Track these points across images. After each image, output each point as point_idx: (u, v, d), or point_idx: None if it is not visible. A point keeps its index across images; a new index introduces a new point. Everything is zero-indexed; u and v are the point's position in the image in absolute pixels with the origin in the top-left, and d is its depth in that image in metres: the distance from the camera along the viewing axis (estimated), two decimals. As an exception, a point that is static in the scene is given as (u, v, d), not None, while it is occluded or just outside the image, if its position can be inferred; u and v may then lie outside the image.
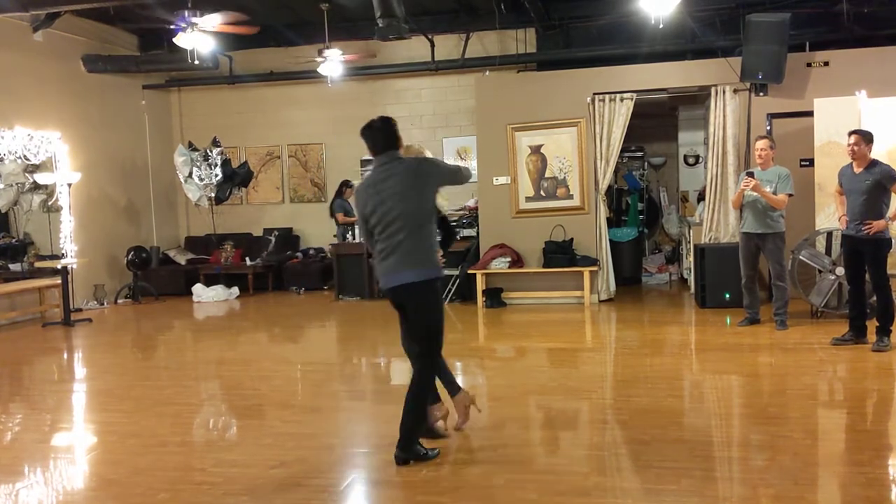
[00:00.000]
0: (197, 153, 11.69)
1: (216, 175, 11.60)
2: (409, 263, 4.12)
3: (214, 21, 8.59)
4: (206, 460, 4.48)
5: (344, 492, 3.93)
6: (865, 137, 6.54)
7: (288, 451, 4.52)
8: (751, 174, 7.33)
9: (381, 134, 4.21)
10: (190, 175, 11.63)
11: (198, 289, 11.65)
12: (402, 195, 4.11)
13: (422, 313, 4.22)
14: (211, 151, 11.68)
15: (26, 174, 10.44)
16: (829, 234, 7.97)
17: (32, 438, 5.14)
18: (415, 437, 4.20)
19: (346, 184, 11.54)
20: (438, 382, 4.56)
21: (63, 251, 10.62)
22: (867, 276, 6.64)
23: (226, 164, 11.81)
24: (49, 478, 4.38)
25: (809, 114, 8.50)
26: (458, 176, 4.44)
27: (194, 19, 8.52)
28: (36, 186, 10.59)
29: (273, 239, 12.40)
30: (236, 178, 11.98)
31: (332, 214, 11.60)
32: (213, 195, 11.75)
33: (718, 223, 9.54)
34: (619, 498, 3.73)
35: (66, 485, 4.29)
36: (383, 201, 4.13)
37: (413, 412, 4.19)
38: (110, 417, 5.56)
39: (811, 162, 8.53)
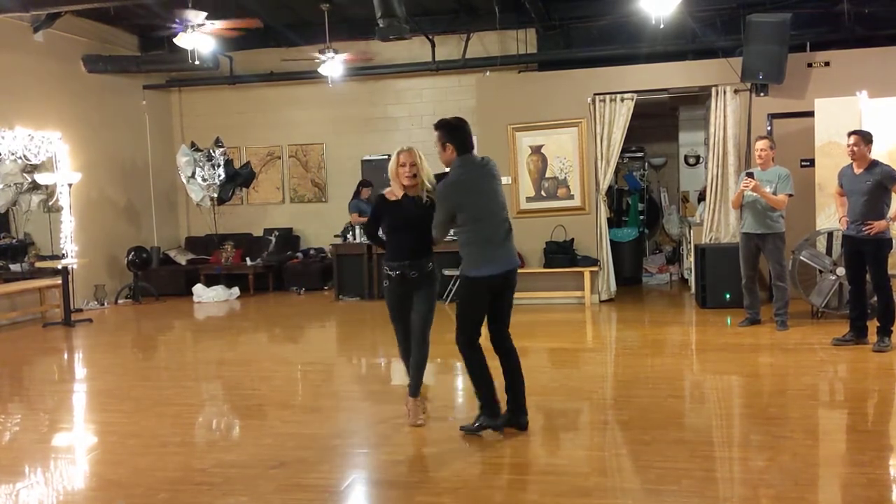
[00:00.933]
0: (200, 153, 11.69)
1: (219, 175, 11.60)
2: (513, 251, 4.73)
3: (214, 24, 8.59)
4: (206, 461, 4.47)
5: (344, 492, 3.92)
6: (865, 138, 6.54)
7: (288, 451, 4.52)
8: (751, 174, 7.33)
9: (468, 135, 4.62)
10: (193, 175, 11.61)
11: (198, 289, 11.64)
12: (496, 191, 4.63)
13: (513, 293, 4.83)
14: (214, 152, 11.68)
15: (24, 174, 10.42)
16: (830, 235, 7.97)
17: (33, 439, 5.14)
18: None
19: (363, 184, 11.47)
20: (401, 367, 5.13)
21: (63, 251, 10.62)
22: (868, 277, 6.64)
23: (228, 164, 11.81)
24: (49, 478, 4.37)
25: (810, 114, 8.50)
26: None
27: (194, 19, 8.51)
28: (34, 187, 10.58)
29: (273, 239, 12.40)
30: (239, 178, 11.98)
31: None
32: (215, 195, 11.74)
33: (719, 223, 9.54)
34: (620, 498, 3.73)
35: (67, 485, 4.29)
36: (481, 196, 4.54)
37: (522, 380, 4.74)
38: (110, 418, 5.55)
39: (812, 162, 8.53)
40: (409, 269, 4.76)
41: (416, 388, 4.86)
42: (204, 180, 11.59)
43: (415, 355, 4.82)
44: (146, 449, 4.69)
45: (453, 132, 4.59)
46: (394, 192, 4.86)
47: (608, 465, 4.23)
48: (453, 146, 4.57)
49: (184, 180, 11.87)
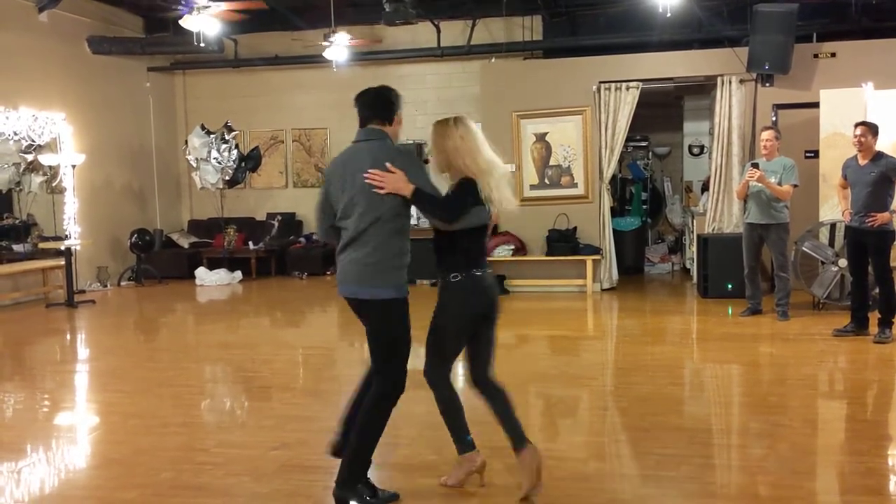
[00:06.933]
0: (213, 135, 11.67)
1: (233, 158, 11.62)
2: (356, 274, 3.52)
3: (220, 5, 8.56)
4: (207, 441, 4.51)
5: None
6: (872, 129, 6.53)
7: (289, 433, 4.55)
8: (755, 165, 7.32)
9: (363, 105, 3.57)
10: (206, 158, 11.59)
11: (201, 272, 11.66)
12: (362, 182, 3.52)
13: (377, 328, 3.59)
14: (227, 135, 11.69)
15: (21, 154, 10.38)
16: (833, 226, 7.97)
17: (35, 418, 5.17)
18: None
19: None
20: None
21: (67, 233, 10.63)
22: (870, 269, 6.64)
23: (237, 147, 11.84)
24: (52, 457, 4.40)
25: (815, 105, 8.48)
26: None
27: (200, 1, 8.49)
28: (34, 168, 10.56)
29: (276, 224, 12.41)
30: (250, 162, 12.01)
31: None
32: (227, 178, 11.74)
33: (722, 213, 9.53)
34: (619, 483, 3.75)
35: (69, 464, 4.32)
36: (345, 184, 3.51)
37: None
38: (112, 398, 5.58)
39: (816, 153, 8.52)
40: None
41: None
42: (219, 162, 11.59)
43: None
44: (148, 429, 4.71)
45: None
46: None
47: (607, 451, 4.26)
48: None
49: (192, 162, 11.82)
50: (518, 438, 3.55)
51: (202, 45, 9.66)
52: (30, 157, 10.44)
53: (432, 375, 3.61)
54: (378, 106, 3.53)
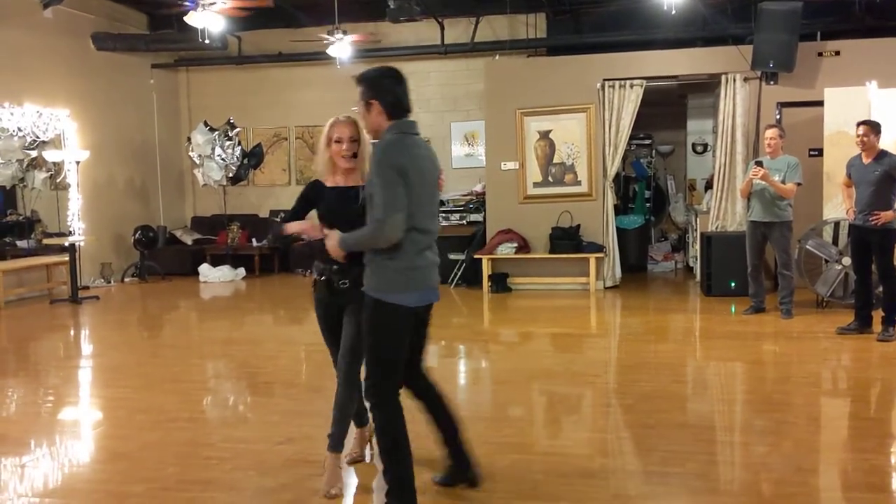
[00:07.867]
0: (217, 132, 11.69)
1: (236, 154, 11.64)
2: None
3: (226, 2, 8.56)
4: (213, 436, 4.53)
5: (350, 469, 3.96)
6: (874, 128, 6.55)
7: (294, 427, 4.57)
8: (759, 163, 7.33)
9: (406, 92, 3.27)
10: (210, 154, 11.60)
11: (204, 269, 11.69)
12: (436, 187, 3.50)
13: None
14: (231, 131, 11.71)
15: (25, 150, 10.38)
16: (837, 224, 7.97)
17: (41, 413, 5.19)
18: None
19: None
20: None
21: (70, 229, 10.65)
22: (874, 267, 6.65)
23: (240, 144, 11.87)
24: (58, 451, 4.42)
25: (819, 103, 8.49)
26: None
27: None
28: (37, 164, 10.56)
29: (279, 220, 12.41)
30: (252, 159, 12.03)
31: None
32: (231, 175, 11.77)
33: (725, 212, 9.53)
34: (623, 480, 3.76)
35: (76, 458, 4.33)
36: (427, 178, 3.36)
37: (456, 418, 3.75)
38: (118, 393, 5.60)
39: (820, 151, 8.53)
40: (337, 275, 3.62)
41: (336, 439, 3.65)
42: (222, 159, 11.61)
43: (339, 394, 3.64)
44: (154, 424, 4.73)
45: (379, 83, 3.19)
46: (327, 176, 3.81)
47: (611, 447, 4.27)
48: (381, 105, 3.18)
49: (195, 159, 11.85)
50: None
51: (206, 41, 9.70)
52: (34, 154, 10.45)
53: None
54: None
